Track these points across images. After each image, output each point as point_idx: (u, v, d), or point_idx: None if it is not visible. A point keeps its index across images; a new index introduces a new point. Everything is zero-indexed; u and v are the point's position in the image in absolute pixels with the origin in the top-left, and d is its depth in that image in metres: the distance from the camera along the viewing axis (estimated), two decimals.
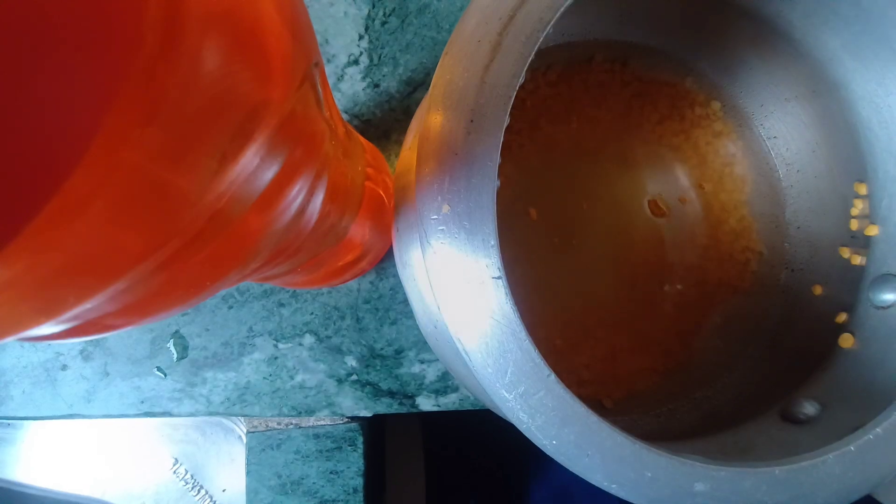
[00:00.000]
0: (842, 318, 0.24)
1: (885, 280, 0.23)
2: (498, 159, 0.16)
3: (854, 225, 0.25)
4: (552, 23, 0.16)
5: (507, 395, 0.16)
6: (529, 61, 0.16)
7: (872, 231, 0.24)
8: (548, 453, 0.16)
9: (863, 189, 0.24)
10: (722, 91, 0.28)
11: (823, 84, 0.25)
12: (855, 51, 0.22)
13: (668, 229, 0.29)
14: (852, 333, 0.23)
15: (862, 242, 0.24)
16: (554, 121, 0.28)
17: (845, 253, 0.25)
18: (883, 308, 0.23)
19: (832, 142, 0.26)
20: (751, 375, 0.26)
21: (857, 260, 0.24)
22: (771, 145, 0.28)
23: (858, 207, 0.24)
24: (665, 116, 0.29)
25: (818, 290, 0.26)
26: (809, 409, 0.21)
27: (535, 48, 0.16)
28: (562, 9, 0.16)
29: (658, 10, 0.26)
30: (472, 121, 0.16)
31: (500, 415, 0.19)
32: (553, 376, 0.16)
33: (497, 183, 0.16)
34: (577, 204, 0.29)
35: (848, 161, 0.25)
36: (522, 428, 0.16)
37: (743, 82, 0.28)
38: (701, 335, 0.28)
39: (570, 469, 0.16)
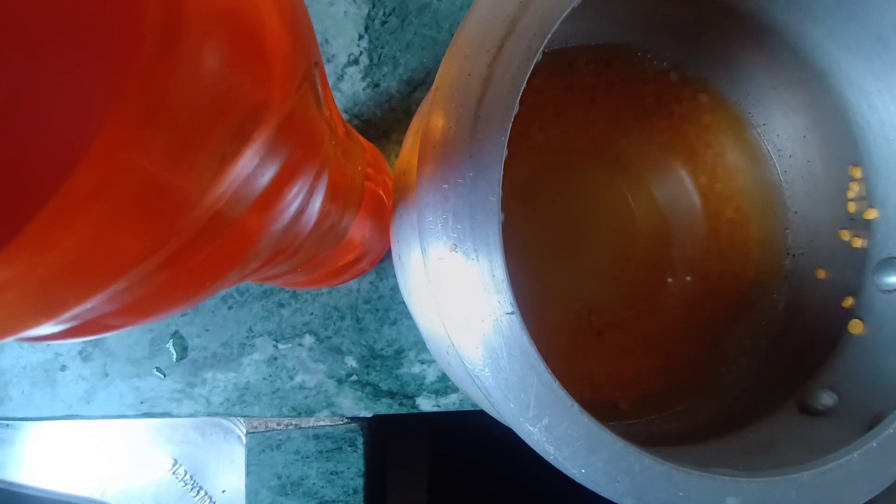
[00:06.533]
0: (849, 302, 0.24)
1: (888, 264, 0.23)
2: (501, 171, 0.16)
3: (852, 208, 0.24)
4: (557, 23, 0.16)
5: (531, 428, 0.15)
6: (534, 62, 0.16)
7: (871, 214, 0.24)
8: (578, 482, 0.16)
9: (857, 172, 0.24)
10: (707, 84, 0.28)
11: (809, 71, 0.24)
12: (840, 39, 0.22)
13: (667, 226, 0.29)
14: (861, 319, 0.23)
15: (861, 225, 0.24)
16: (544, 127, 0.28)
17: (845, 236, 0.25)
18: (889, 292, 0.22)
19: (822, 127, 0.26)
20: (763, 366, 0.26)
21: (858, 243, 0.24)
22: (761, 132, 0.28)
23: (855, 190, 0.24)
24: (652, 114, 0.29)
25: (822, 273, 0.26)
26: (827, 399, 0.21)
27: (540, 50, 0.16)
28: (567, 11, 0.16)
29: (637, 8, 0.26)
30: (475, 121, 0.16)
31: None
32: (576, 406, 0.15)
33: (499, 193, 0.16)
34: (576, 207, 0.29)
35: (840, 145, 0.25)
36: (550, 459, 0.15)
37: (727, 73, 0.28)
38: (709, 329, 0.28)
39: (602, 494, 0.16)
